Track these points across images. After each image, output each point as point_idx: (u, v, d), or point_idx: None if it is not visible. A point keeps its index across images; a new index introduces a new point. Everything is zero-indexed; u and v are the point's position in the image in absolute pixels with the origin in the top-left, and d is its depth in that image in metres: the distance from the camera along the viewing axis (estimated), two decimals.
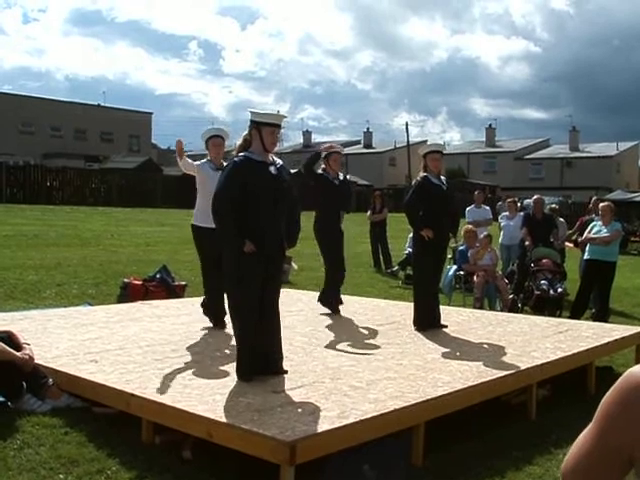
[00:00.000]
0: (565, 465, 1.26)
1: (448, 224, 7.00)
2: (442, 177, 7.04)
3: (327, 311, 7.62)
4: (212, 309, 6.68)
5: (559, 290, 9.68)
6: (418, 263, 7.16)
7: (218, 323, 6.58)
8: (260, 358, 4.84)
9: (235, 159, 4.95)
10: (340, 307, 7.72)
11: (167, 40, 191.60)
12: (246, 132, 5.03)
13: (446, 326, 6.86)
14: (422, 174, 7.00)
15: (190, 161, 6.77)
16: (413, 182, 7.24)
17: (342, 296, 8.00)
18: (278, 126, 4.95)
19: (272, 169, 4.92)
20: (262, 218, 4.83)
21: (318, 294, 7.94)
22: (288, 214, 5.04)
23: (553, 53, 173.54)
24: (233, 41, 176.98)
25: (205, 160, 6.76)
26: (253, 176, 4.82)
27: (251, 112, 4.98)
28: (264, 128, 4.87)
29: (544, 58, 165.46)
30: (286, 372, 4.87)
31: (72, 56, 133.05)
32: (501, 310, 9.39)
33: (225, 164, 6.50)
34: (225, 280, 5.06)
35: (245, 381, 4.69)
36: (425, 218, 6.84)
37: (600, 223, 9.60)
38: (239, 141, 5.07)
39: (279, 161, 5.09)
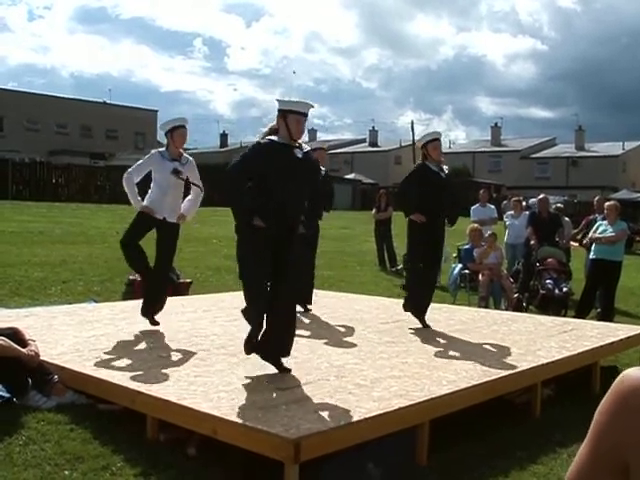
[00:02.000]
0: (568, 476, 1.25)
1: (444, 214, 6.98)
2: (443, 166, 7.02)
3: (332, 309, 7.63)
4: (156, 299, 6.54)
5: (564, 289, 9.67)
6: (409, 251, 7.15)
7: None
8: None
9: (259, 140, 4.99)
10: (344, 306, 7.73)
11: (172, 37, 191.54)
12: (273, 122, 5.03)
13: (428, 326, 6.83)
14: (420, 162, 7.01)
15: (135, 180, 6.40)
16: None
17: (346, 294, 8.02)
18: (304, 115, 4.93)
19: (297, 152, 4.92)
20: (280, 199, 4.83)
21: (323, 293, 7.93)
22: (310, 202, 5.11)
23: (560, 51, 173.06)
24: (238, 38, 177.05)
25: (157, 151, 6.47)
26: (274, 158, 4.83)
27: (278, 101, 4.97)
28: (290, 116, 4.86)
29: (551, 56, 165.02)
30: (289, 370, 4.90)
31: (77, 53, 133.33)
32: (506, 309, 9.39)
33: (185, 155, 6.49)
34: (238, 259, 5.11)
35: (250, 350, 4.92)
36: (420, 205, 6.79)
37: (605, 222, 9.58)
38: (264, 129, 5.09)
39: (307, 147, 5.09)
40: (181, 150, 6.50)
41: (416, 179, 6.89)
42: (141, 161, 6.55)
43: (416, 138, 53.06)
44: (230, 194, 4.95)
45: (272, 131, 4.99)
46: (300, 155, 4.92)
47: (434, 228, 6.84)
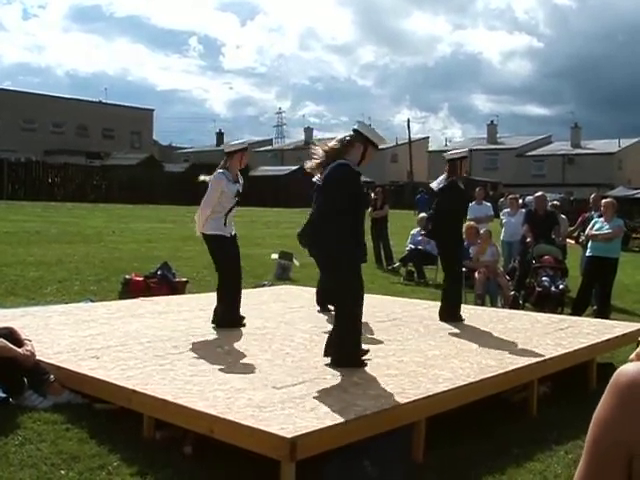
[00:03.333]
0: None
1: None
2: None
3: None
4: (233, 315, 6.50)
5: (560, 287, 9.68)
6: (452, 261, 7.35)
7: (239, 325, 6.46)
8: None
9: (344, 169, 4.91)
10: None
11: (167, 36, 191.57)
12: (347, 135, 5.02)
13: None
14: (452, 178, 7.21)
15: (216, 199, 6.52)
16: (444, 186, 7.26)
17: None
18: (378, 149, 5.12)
19: (361, 178, 5.14)
20: (361, 225, 5.08)
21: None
22: None
23: (555, 49, 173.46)
24: (233, 37, 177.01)
25: (222, 173, 6.49)
26: (358, 186, 5.02)
27: (363, 124, 4.99)
28: (371, 147, 4.94)
29: (546, 54, 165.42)
30: None
31: (72, 52, 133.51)
32: (502, 307, 9.39)
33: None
34: (339, 285, 5.12)
35: (363, 365, 4.92)
36: (452, 221, 7.23)
37: (602, 220, 9.59)
38: (335, 144, 4.99)
39: None
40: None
41: (455, 199, 7.22)
42: (213, 188, 6.46)
43: (412, 136, 52.81)
44: (339, 232, 4.90)
45: (345, 146, 4.96)
46: (362, 181, 5.20)
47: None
